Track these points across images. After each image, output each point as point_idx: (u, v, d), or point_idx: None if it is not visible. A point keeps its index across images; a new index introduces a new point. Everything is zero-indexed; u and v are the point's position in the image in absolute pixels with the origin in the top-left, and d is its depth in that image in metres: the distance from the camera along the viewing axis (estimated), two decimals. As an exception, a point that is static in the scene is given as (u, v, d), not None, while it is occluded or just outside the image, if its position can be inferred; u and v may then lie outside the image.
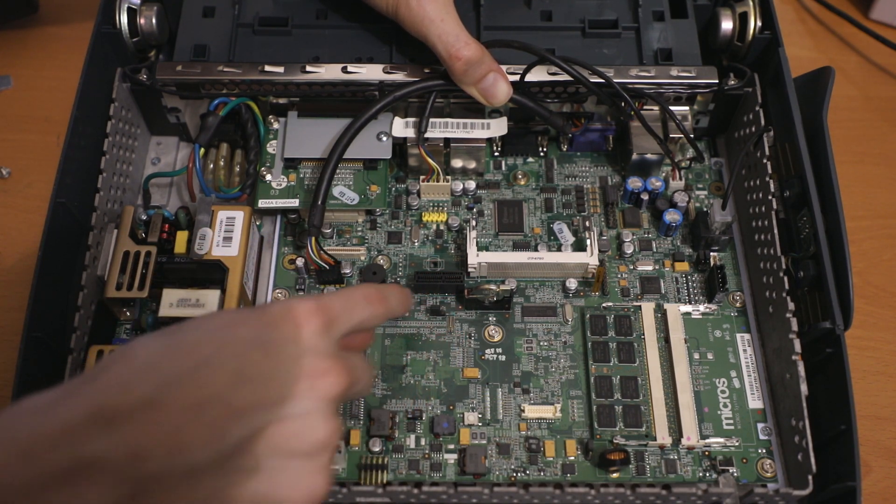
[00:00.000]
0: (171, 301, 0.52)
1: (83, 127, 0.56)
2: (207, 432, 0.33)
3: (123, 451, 0.31)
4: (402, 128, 0.59)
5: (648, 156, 0.60)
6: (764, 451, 0.52)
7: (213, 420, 0.33)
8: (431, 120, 0.59)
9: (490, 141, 0.63)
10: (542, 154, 0.64)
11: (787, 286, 0.52)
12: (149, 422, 0.32)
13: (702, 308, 0.57)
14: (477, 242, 0.57)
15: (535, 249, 0.59)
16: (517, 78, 0.57)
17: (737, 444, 0.52)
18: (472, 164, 0.61)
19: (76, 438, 0.31)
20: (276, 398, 0.35)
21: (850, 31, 0.78)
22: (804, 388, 0.50)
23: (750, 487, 0.48)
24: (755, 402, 0.54)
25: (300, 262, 0.57)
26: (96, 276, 0.54)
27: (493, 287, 0.54)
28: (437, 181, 0.60)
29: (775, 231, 0.54)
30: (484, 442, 0.52)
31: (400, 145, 0.61)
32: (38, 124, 0.71)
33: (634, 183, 0.60)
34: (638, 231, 0.60)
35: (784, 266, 0.53)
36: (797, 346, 0.51)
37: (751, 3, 0.60)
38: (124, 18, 0.59)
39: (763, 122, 0.57)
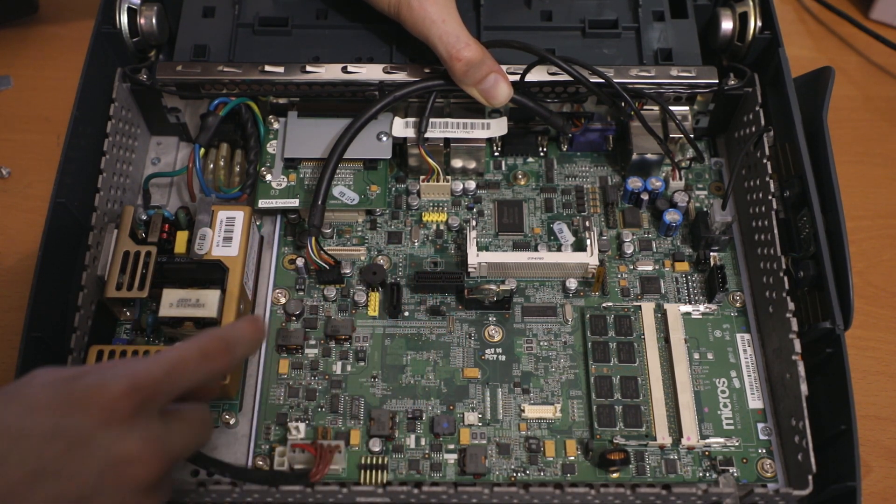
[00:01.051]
0: (171, 301, 0.52)
1: (83, 127, 0.56)
2: None
3: None
4: (402, 128, 0.59)
5: (648, 156, 0.60)
6: (764, 451, 0.52)
7: None
8: (431, 120, 0.59)
9: (490, 141, 0.63)
10: (542, 154, 0.64)
11: (787, 286, 0.52)
12: None
13: (702, 308, 0.57)
14: (477, 242, 0.57)
15: (535, 249, 0.59)
16: (517, 78, 0.57)
17: (737, 444, 0.52)
18: (472, 164, 0.61)
19: None
20: (79, 494, 0.33)
21: (850, 31, 0.78)
22: (804, 388, 0.50)
23: (750, 487, 0.48)
24: (755, 402, 0.54)
25: (300, 262, 0.57)
26: (96, 276, 0.54)
27: (493, 287, 0.54)
28: (437, 181, 0.60)
29: (775, 231, 0.54)
30: (484, 442, 0.52)
31: (400, 145, 0.61)
32: (38, 124, 0.71)
33: (634, 183, 0.60)
34: (638, 231, 0.60)
35: (784, 266, 0.53)
36: (797, 346, 0.51)
37: (751, 3, 0.60)
38: (124, 18, 0.59)
39: (763, 122, 0.57)
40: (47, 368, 0.37)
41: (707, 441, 0.52)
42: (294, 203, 0.58)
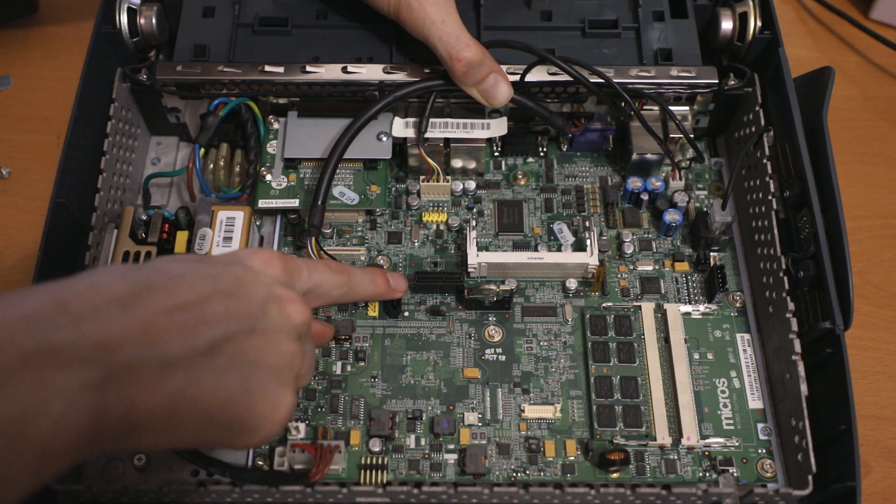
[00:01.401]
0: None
1: (83, 127, 0.56)
2: (180, 330, 0.35)
3: (91, 340, 0.32)
4: (402, 128, 0.59)
5: (648, 156, 0.60)
6: (764, 451, 0.52)
7: (186, 321, 0.35)
8: (431, 120, 0.59)
9: (490, 141, 0.63)
10: (542, 154, 0.64)
11: (787, 286, 0.52)
12: (118, 317, 0.33)
13: (702, 308, 0.57)
14: (477, 242, 0.57)
15: (535, 249, 0.59)
16: (517, 78, 0.57)
17: (737, 444, 0.52)
18: (472, 164, 0.61)
19: (41, 327, 0.32)
20: (247, 312, 0.37)
21: (850, 31, 0.78)
22: (804, 388, 0.50)
23: (750, 487, 0.48)
24: (755, 402, 0.54)
25: (300, 262, 0.57)
26: (96, 276, 0.54)
27: (493, 287, 0.54)
28: (437, 181, 0.60)
29: (775, 231, 0.54)
30: (484, 442, 0.52)
31: (400, 145, 0.61)
32: (38, 124, 0.71)
33: (634, 183, 0.60)
34: (638, 231, 0.60)
35: (784, 266, 0.53)
36: (797, 346, 0.51)
37: (751, 3, 0.60)
38: (124, 18, 0.59)
39: (763, 122, 0.57)
40: None
41: (707, 441, 0.52)
42: (294, 203, 0.58)
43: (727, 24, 0.61)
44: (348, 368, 0.55)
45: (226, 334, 0.36)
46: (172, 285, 0.36)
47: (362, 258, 0.59)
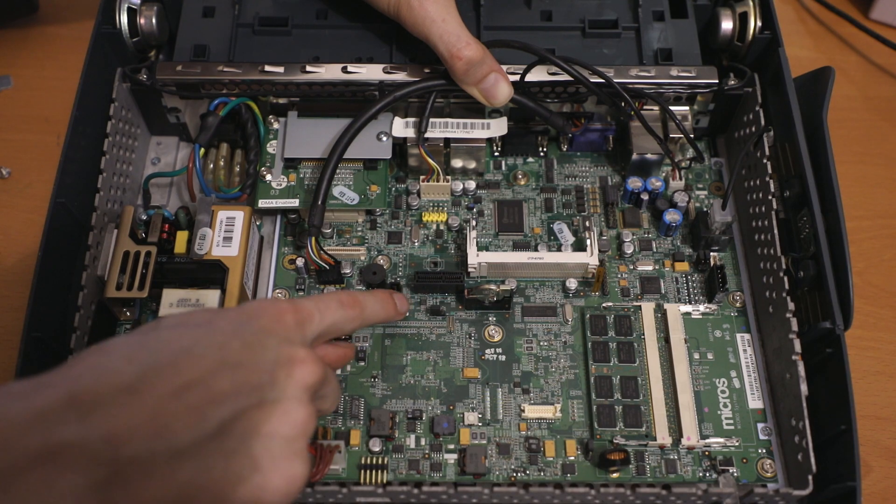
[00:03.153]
0: (171, 301, 0.52)
1: (83, 127, 0.56)
2: (188, 415, 0.34)
3: (98, 436, 0.32)
4: (402, 128, 0.59)
5: (648, 156, 0.60)
6: (764, 451, 0.52)
7: (194, 404, 0.34)
8: (431, 120, 0.59)
9: (490, 141, 0.63)
10: (542, 154, 0.64)
11: (787, 286, 0.52)
12: (126, 406, 0.33)
13: (702, 308, 0.57)
14: (477, 242, 0.57)
15: (535, 249, 0.59)
16: (517, 78, 0.57)
17: (737, 444, 0.52)
18: (472, 164, 0.61)
19: (49, 424, 0.32)
20: (256, 384, 0.37)
21: (850, 31, 0.78)
22: (804, 388, 0.50)
23: (750, 487, 0.48)
24: (755, 402, 0.54)
25: (300, 262, 0.57)
26: (96, 276, 0.54)
27: (493, 287, 0.54)
28: (437, 181, 0.60)
29: (775, 231, 0.54)
30: (484, 442, 0.52)
31: (400, 145, 0.61)
32: (38, 124, 0.71)
33: (634, 183, 0.60)
34: (638, 231, 0.60)
35: (784, 266, 0.53)
36: (797, 346, 0.51)
37: (751, 3, 0.60)
38: (124, 18, 0.59)
39: (763, 122, 0.57)
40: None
41: (707, 441, 0.52)
42: (294, 203, 0.58)
43: (727, 24, 0.61)
44: (348, 368, 0.55)
45: (234, 412, 0.35)
46: (178, 362, 0.35)
47: (362, 258, 0.59)
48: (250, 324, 0.39)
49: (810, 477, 0.47)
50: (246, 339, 0.38)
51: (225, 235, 0.55)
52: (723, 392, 0.54)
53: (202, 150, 0.59)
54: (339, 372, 0.55)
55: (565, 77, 0.57)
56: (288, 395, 0.37)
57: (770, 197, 0.55)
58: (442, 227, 0.60)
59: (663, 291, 0.58)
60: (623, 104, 0.58)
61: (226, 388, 0.35)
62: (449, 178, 0.61)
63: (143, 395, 0.34)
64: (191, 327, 0.38)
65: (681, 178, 0.61)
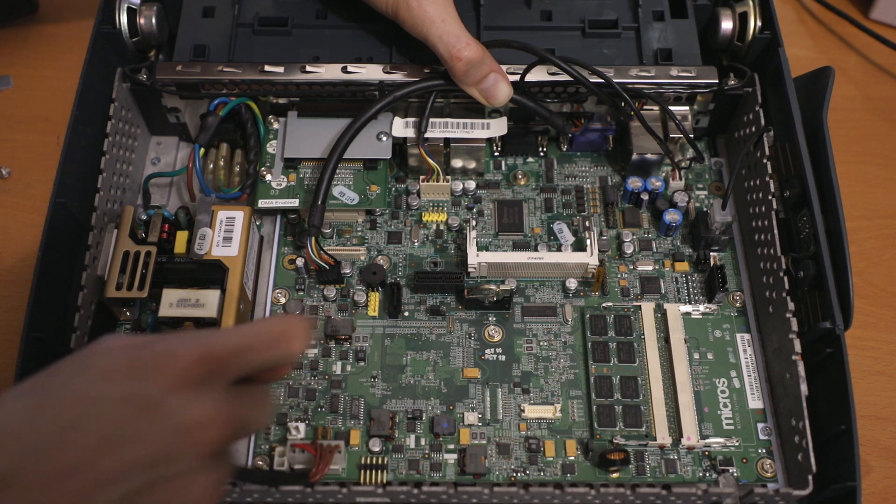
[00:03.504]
0: (171, 301, 0.52)
1: (83, 127, 0.56)
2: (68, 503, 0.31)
3: None
4: (402, 128, 0.59)
5: (648, 156, 0.60)
6: (764, 451, 0.52)
7: (79, 490, 0.31)
8: (431, 120, 0.59)
9: (490, 141, 0.63)
10: (542, 154, 0.64)
11: (787, 286, 0.52)
12: (3, 501, 0.30)
13: (702, 308, 0.57)
14: (477, 242, 0.57)
15: (535, 249, 0.59)
16: (517, 78, 0.57)
17: (737, 444, 0.52)
18: (472, 164, 0.61)
19: None
20: (150, 459, 0.33)
21: (850, 31, 0.78)
22: (804, 388, 0.50)
23: (750, 487, 0.48)
24: (755, 402, 0.54)
25: (300, 262, 0.57)
26: (96, 276, 0.54)
27: (493, 287, 0.54)
28: (437, 181, 0.60)
29: (775, 231, 0.54)
30: (484, 442, 0.52)
31: (400, 145, 0.61)
32: (38, 124, 0.71)
33: (634, 183, 0.60)
34: (638, 231, 0.60)
35: (784, 266, 0.53)
36: (797, 346, 0.51)
37: (751, 3, 0.60)
38: (124, 18, 0.59)
39: (763, 122, 0.57)
40: (117, 335, 0.37)
41: (707, 441, 0.52)
42: (294, 203, 0.58)
43: (727, 24, 0.61)
44: (348, 368, 0.55)
45: (124, 494, 0.32)
46: (62, 441, 0.31)
47: (362, 258, 0.59)
48: (146, 384, 0.34)
49: (810, 477, 0.47)
50: (139, 405, 0.33)
51: (225, 235, 0.55)
52: (723, 392, 0.54)
53: (202, 150, 0.59)
54: (339, 372, 0.55)
55: (565, 77, 0.56)
56: (185, 468, 0.34)
57: (770, 197, 0.55)
58: (442, 227, 0.60)
59: (663, 291, 0.58)
60: (623, 104, 0.58)
61: (113, 468, 0.32)
62: (449, 178, 0.61)
63: (20, 486, 0.30)
64: (83, 390, 0.34)
65: (681, 178, 0.61)
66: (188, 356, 0.35)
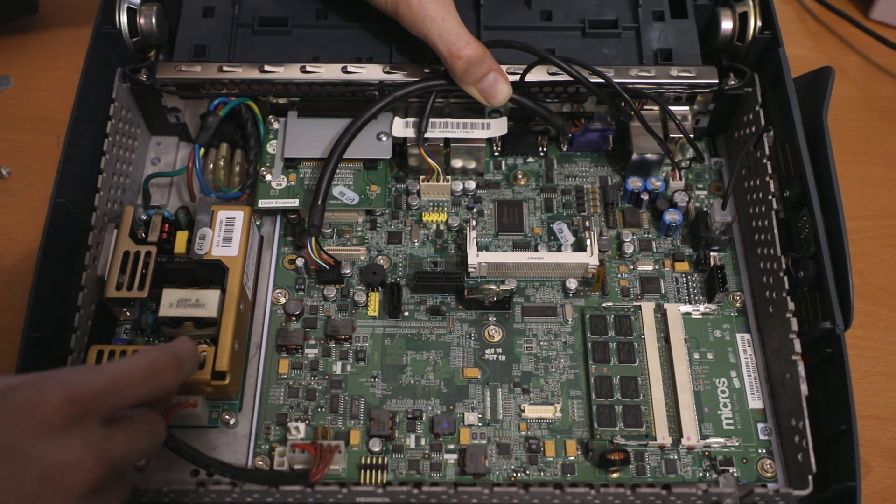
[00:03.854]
0: (171, 301, 0.52)
1: (83, 127, 0.56)
2: None
3: None
4: (402, 128, 0.59)
5: (648, 156, 0.60)
6: (764, 451, 0.52)
7: None
8: (431, 120, 0.59)
9: (490, 141, 0.63)
10: (542, 154, 0.64)
11: (787, 286, 0.52)
12: None
13: (702, 308, 0.57)
14: (477, 242, 0.57)
15: (535, 249, 0.59)
16: (517, 78, 0.57)
17: (737, 444, 0.52)
18: (472, 164, 0.61)
19: None
20: None
21: (850, 31, 0.78)
22: (804, 388, 0.50)
23: (750, 487, 0.48)
24: (755, 402, 0.54)
25: (300, 262, 0.57)
26: (96, 276, 0.54)
27: (493, 287, 0.54)
28: (437, 181, 0.60)
29: (775, 231, 0.54)
30: (484, 442, 0.52)
31: (400, 145, 0.61)
32: (38, 124, 0.71)
33: (634, 183, 0.60)
34: (638, 231, 0.60)
35: (784, 266, 0.53)
36: (797, 346, 0.51)
37: (751, 3, 0.60)
38: (124, 18, 0.59)
39: (763, 122, 0.57)
40: None
41: (707, 441, 0.52)
42: (294, 203, 0.58)
43: (727, 24, 0.61)
44: (348, 368, 0.55)
45: None
46: None
47: (362, 258, 0.59)
48: (13, 432, 0.34)
49: (810, 477, 0.47)
50: (5, 455, 0.33)
51: (225, 235, 0.55)
52: (723, 392, 0.54)
53: (202, 150, 0.59)
54: (339, 372, 0.55)
55: (565, 77, 0.57)
56: None
57: (770, 197, 0.55)
58: (442, 227, 0.60)
59: (663, 291, 0.58)
60: (623, 104, 0.58)
61: None
62: (449, 178, 0.61)
63: None
64: None
65: (681, 178, 0.61)
66: (53, 400, 0.35)
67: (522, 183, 0.62)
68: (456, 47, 0.53)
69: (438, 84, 0.57)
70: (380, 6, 0.56)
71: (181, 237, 0.55)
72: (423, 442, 0.52)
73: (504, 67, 0.56)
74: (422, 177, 0.61)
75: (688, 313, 0.57)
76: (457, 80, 0.55)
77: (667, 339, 0.55)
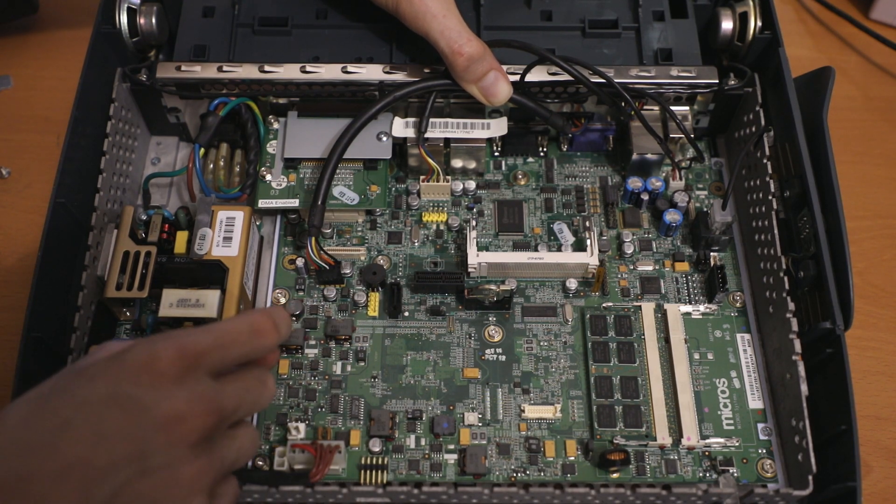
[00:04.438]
0: (171, 301, 0.52)
1: (83, 127, 0.56)
2: (74, 496, 0.34)
3: None
4: (402, 128, 0.59)
5: (648, 156, 0.60)
6: (764, 451, 0.52)
7: (78, 483, 0.34)
8: (431, 120, 0.59)
9: (490, 141, 0.63)
10: (542, 154, 0.64)
11: (787, 286, 0.52)
12: (18, 495, 0.33)
13: (702, 308, 0.57)
14: (477, 242, 0.57)
15: (535, 249, 0.59)
16: (517, 78, 0.57)
17: (737, 444, 0.52)
18: (472, 164, 0.61)
19: None
20: (136, 453, 0.35)
21: (850, 31, 0.78)
22: (804, 388, 0.50)
23: (750, 488, 0.48)
24: (755, 402, 0.54)
25: (300, 262, 0.57)
26: (96, 276, 0.54)
27: (493, 287, 0.54)
28: (437, 181, 0.60)
29: (775, 231, 0.54)
30: (484, 442, 0.52)
31: (400, 145, 0.61)
32: (38, 124, 0.71)
33: (634, 183, 0.60)
34: (638, 231, 0.60)
35: (784, 266, 0.53)
36: (797, 347, 0.51)
37: (751, 3, 0.60)
38: (124, 18, 0.59)
39: (763, 122, 0.57)
40: (112, 342, 0.41)
41: (707, 441, 0.52)
42: (294, 203, 0.58)
43: (727, 24, 0.61)
44: (348, 368, 0.55)
45: (117, 486, 0.35)
46: (58, 441, 0.35)
47: (362, 258, 0.59)
48: (129, 383, 0.37)
49: (810, 477, 0.47)
50: (123, 404, 0.36)
51: (225, 235, 0.55)
52: (723, 392, 0.54)
53: (202, 150, 0.59)
54: (339, 372, 0.55)
55: (565, 77, 0.56)
56: (171, 458, 0.36)
57: (770, 197, 0.55)
58: (442, 227, 0.60)
59: (663, 291, 0.58)
60: (623, 104, 0.58)
61: (105, 462, 0.35)
62: (449, 178, 0.61)
63: (32, 481, 0.34)
64: (72, 393, 0.37)
65: (681, 178, 0.61)
66: (166, 355, 0.37)
67: (522, 183, 0.62)
68: (457, 44, 0.53)
69: (438, 84, 0.57)
70: (381, 4, 0.56)
71: (181, 237, 0.55)
72: (423, 442, 0.52)
73: (504, 67, 0.56)
74: (422, 177, 0.61)
75: (688, 313, 0.57)
76: (457, 78, 0.55)
77: (667, 340, 0.55)
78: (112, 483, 0.35)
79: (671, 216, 0.58)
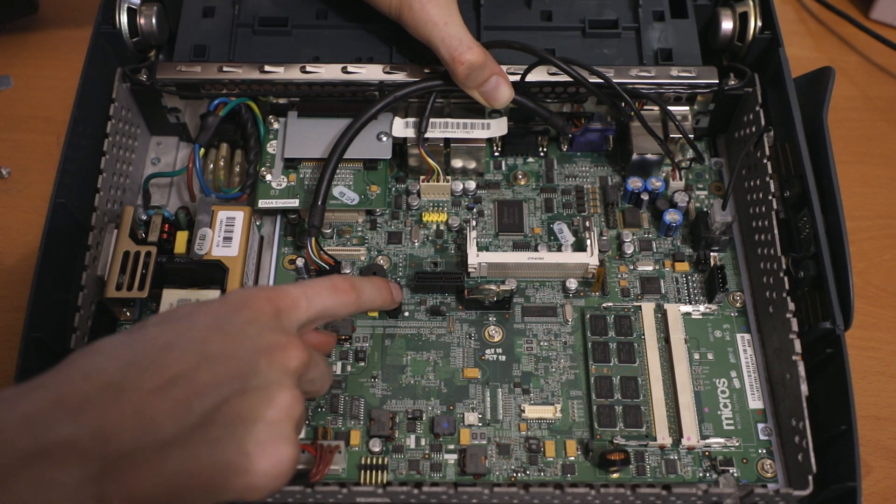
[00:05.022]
0: (171, 301, 0.52)
1: (83, 127, 0.56)
2: (172, 408, 0.35)
3: (88, 433, 0.34)
4: (402, 128, 0.59)
5: (648, 156, 0.60)
6: (764, 451, 0.52)
7: (178, 397, 0.36)
8: (431, 120, 0.59)
9: (490, 141, 0.63)
10: (542, 154, 0.64)
11: (787, 286, 0.52)
12: (113, 403, 0.35)
13: (702, 308, 0.57)
14: (477, 242, 0.57)
15: (535, 249, 0.59)
16: (517, 78, 0.57)
17: (737, 444, 0.52)
18: (472, 164, 0.61)
19: (39, 426, 0.33)
20: (237, 373, 0.38)
21: (850, 31, 0.78)
22: (804, 388, 0.50)
23: (750, 488, 0.48)
24: (755, 402, 0.54)
25: (300, 262, 0.57)
26: (96, 276, 0.54)
27: (493, 287, 0.54)
28: (437, 181, 0.60)
29: (775, 231, 0.54)
30: (484, 442, 0.52)
31: (400, 145, 0.61)
32: (38, 124, 0.71)
33: (634, 183, 0.60)
34: (638, 231, 0.60)
35: (784, 266, 0.53)
36: (797, 347, 0.51)
37: (751, 3, 0.60)
38: (124, 18, 0.60)
39: (763, 122, 0.57)
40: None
41: (707, 441, 0.52)
42: (294, 203, 0.58)
43: (727, 24, 0.61)
44: (348, 368, 0.55)
45: (217, 401, 0.36)
46: (161, 359, 0.37)
47: (362, 258, 0.59)
48: (231, 315, 0.40)
49: (810, 477, 0.47)
50: (226, 331, 0.39)
51: (225, 235, 0.55)
52: (723, 392, 0.54)
53: (202, 150, 0.59)
54: (339, 372, 0.55)
55: (565, 77, 0.56)
56: (270, 381, 0.38)
57: (770, 197, 0.55)
58: (442, 228, 0.60)
59: (663, 291, 0.58)
60: (623, 104, 0.58)
61: (207, 380, 0.37)
62: (449, 178, 0.61)
63: (129, 393, 0.35)
64: (173, 323, 0.39)
65: (681, 179, 0.61)
66: (260, 296, 0.42)
67: (522, 183, 0.62)
68: (458, 52, 0.53)
69: (439, 84, 0.57)
70: (383, 10, 0.56)
71: (181, 237, 0.55)
72: (423, 442, 0.52)
73: (504, 68, 0.56)
74: (422, 177, 0.61)
75: (688, 313, 0.57)
76: (459, 84, 0.55)
77: (667, 340, 0.55)
78: (213, 398, 0.36)
79: (671, 216, 0.59)
